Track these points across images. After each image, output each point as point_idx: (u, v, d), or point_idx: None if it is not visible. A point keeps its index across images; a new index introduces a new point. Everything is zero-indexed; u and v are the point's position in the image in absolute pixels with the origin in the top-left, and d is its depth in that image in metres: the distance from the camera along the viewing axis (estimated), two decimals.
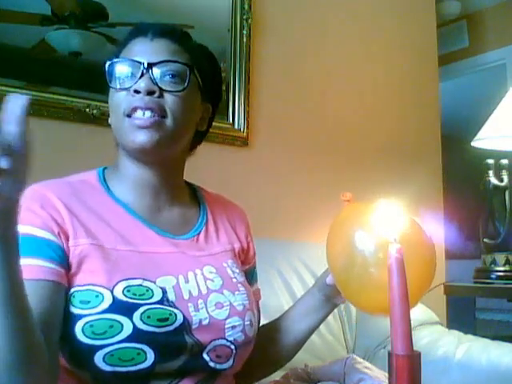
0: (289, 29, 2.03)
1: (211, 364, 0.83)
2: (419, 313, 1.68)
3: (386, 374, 0.56)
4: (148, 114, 0.83)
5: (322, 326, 1.56)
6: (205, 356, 0.82)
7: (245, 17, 1.88)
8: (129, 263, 0.82)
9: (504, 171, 2.12)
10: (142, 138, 0.83)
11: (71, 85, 1.56)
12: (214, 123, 1.69)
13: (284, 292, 1.54)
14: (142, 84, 0.83)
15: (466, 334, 1.61)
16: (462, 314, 2.21)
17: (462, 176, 4.35)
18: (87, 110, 1.55)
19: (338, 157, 2.10)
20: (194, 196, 1.01)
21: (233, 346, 0.85)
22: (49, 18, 1.52)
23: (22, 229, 0.75)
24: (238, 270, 0.94)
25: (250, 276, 1.02)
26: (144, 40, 0.87)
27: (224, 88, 1.83)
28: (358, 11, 2.24)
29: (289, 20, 2.04)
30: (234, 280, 0.91)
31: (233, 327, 0.85)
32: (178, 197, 0.95)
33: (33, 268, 0.75)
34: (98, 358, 0.75)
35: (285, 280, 1.57)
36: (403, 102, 2.34)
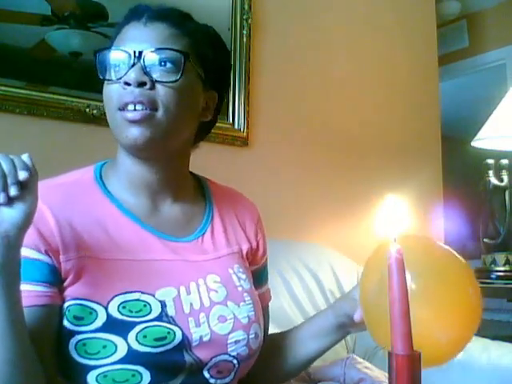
0: (289, 29, 2.03)
1: (211, 381, 0.79)
2: None
3: (386, 374, 0.56)
4: (139, 107, 0.76)
5: None
6: (205, 373, 0.78)
7: (245, 17, 1.88)
8: (125, 274, 0.77)
9: (504, 171, 2.12)
10: (134, 132, 0.77)
11: (71, 85, 1.56)
12: None
13: (284, 292, 1.54)
14: (133, 74, 0.76)
15: None
16: None
17: (461, 176, 4.35)
18: (87, 110, 1.55)
19: (337, 157, 2.10)
20: (201, 190, 0.94)
21: (235, 361, 0.81)
22: (49, 18, 1.52)
23: None
24: (244, 276, 0.88)
25: (259, 277, 0.96)
26: (137, 25, 0.81)
27: None
28: (358, 11, 2.24)
29: (289, 20, 2.04)
30: (240, 289, 0.85)
31: (236, 342, 0.80)
32: (181, 193, 0.88)
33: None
34: (91, 378, 0.72)
35: (285, 280, 1.58)
36: (403, 102, 2.34)
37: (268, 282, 1.00)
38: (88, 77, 1.60)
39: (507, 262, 2.06)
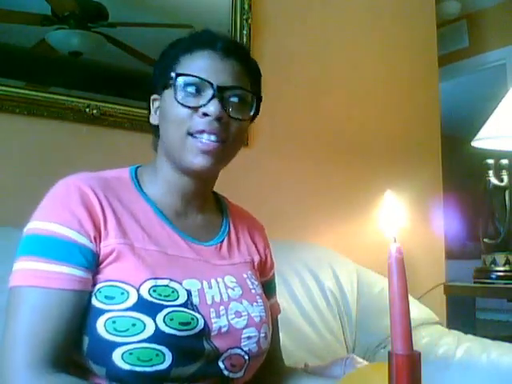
0: (289, 29, 2.03)
1: (225, 372, 0.83)
2: (419, 313, 1.68)
3: None
4: (213, 138, 0.84)
5: (321, 326, 1.57)
6: (220, 364, 0.83)
7: (245, 17, 1.88)
8: (157, 263, 0.83)
9: (504, 171, 2.12)
10: (202, 161, 0.84)
11: (71, 85, 1.56)
12: None
13: (284, 292, 1.54)
14: (212, 108, 0.83)
15: (466, 334, 1.61)
16: (462, 313, 2.22)
17: (462, 176, 4.35)
18: (87, 110, 1.55)
19: (338, 157, 2.10)
20: (219, 205, 1.03)
21: (247, 357, 0.86)
22: (49, 18, 1.52)
23: (60, 229, 0.79)
24: (256, 282, 0.95)
25: (268, 288, 1.03)
26: (213, 56, 0.86)
27: None
28: (358, 11, 2.24)
29: (289, 20, 2.04)
30: (253, 291, 0.92)
31: (248, 337, 0.86)
32: (206, 205, 0.97)
33: (63, 276, 0.77)
34: (117, 355, 0.75)
35: (285, 280, 1.58)
36: (403, 102, 2.34)
37: (276, 296, 1.08)
38: (88, 77, 1.61)
39: (507, 262, 2.06)
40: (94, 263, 0.80)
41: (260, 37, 1.94)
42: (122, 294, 0.78)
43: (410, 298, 0.56)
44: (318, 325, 1.54)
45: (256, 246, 1.02)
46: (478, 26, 3.74)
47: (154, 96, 0.92)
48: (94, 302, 0.78)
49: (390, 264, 0.53)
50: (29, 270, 0.77)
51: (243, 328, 0.85)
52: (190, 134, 0.84)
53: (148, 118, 0.95)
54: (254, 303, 0.90)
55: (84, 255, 0.79)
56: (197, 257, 0.89)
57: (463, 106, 4.77)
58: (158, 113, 0.91)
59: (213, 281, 0.87)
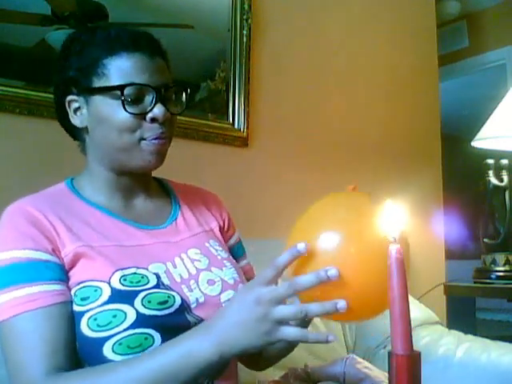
0: (289, 29, 2.03)
1: None
2: (419, 313, 1.68)
3: (386, 374, 0.56)
4: (162, 141, 0.86)
5: (322, 326, 1.57)
6: None
7: (245, 17, 1.88)
8: (118, 255, 0.84)
9: (504, 171, 2.12)
10: (155, 161, 0.87)
11: None
12: (213, 123, 1.70)
13: None
14: (158, 111, 0.85)
15: (466, 334, 1.61)
16: (462, 314, 2.21)
17: (461, 176, 4.35)
18: None
19: (337, 157, 2.10)
20: (163, 188, 1.04)
21: None
22: (49, 18, 1.52)
23: (17, 254, 0.79)
24: (220, 248, 0.97)
25: (235, 253, 1.04)
26: (142, 57, 0.85)
27: (224, 88, 1.83)
28: (358, 11, 2.24)
29: (289, 20, 2.04)
30: (219, 257, 0.94)
31: (229, 300, 0.86)
32: (150, 191, 0.97)
33: (42, 295, 0.77)
34: (107, 349, 0.76)
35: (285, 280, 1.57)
36: (403, 102, 2.34)
37: (247, 258, 1.08)
38: None
39: (507, 262, 2.06)
40: (63, 274, 0.81)
41: (260, 37, 1.94)
42: (96, 291, 0.79)
43: (410, 298, 0.55)
44: (317, 325, 1.54)
45: (212, 214, 1.03)
46: (478, 26, 3.74)
47: (71, 97, 0.88)
48: (74, 307, 0.80)
49: (390, 264, 0.53)
50: (6, 302, 0.77)
51: (219, 293, 0.87)
52: (143, 139, 0.86)
53: (61, 117, 0.92)
54: (224, 268, 0.92)
55: (51, 269, 0.80)
56: (155, 240, 0.90)
57: (463, 106, 4.77)
58: (79, 114, 0.88)
59: (176, 259, 0.88)
